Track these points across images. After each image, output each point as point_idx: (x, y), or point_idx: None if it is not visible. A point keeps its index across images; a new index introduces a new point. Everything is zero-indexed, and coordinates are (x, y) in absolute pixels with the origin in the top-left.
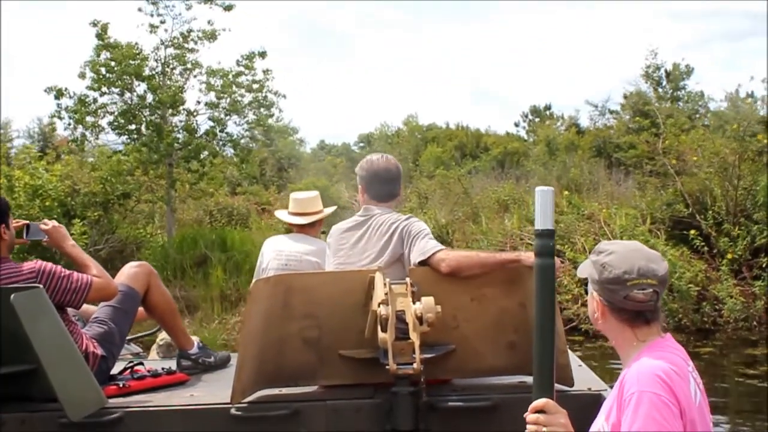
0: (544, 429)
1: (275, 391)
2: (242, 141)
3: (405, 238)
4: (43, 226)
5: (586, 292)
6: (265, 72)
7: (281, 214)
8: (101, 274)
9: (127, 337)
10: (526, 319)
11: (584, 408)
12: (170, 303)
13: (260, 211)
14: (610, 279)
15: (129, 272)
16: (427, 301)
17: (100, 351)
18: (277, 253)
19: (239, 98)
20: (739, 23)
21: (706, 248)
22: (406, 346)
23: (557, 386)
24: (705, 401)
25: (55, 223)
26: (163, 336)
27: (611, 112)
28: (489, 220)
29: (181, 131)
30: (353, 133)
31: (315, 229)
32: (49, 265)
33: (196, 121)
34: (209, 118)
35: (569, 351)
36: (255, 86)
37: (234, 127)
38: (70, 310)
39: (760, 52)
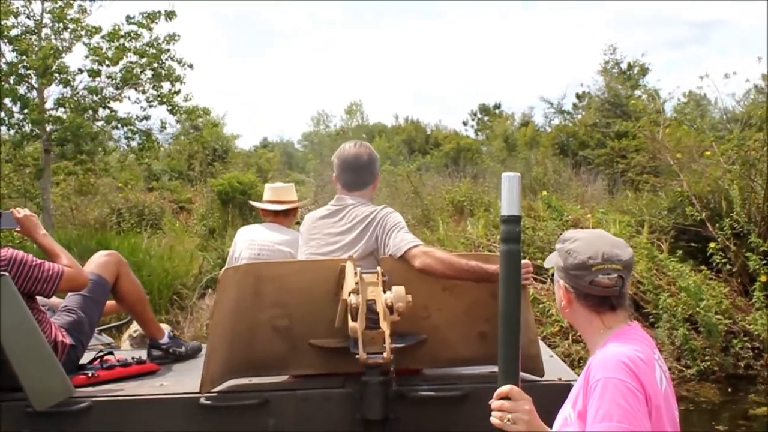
0: (509, 415)
1: (245, 380)
2: (140, 122)
3: (380, 235)
4: (16, 214)
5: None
6: (171, 36)
7: (257, 204)
8: (72, 264)
9: (99, 328)
10: (497, 309)
11: (554, 398)
12: (140, 292)
13: (177, 210)
14: (575, 265)
15: (98, 261)
16: (398, 290)
17: (68, 340)
18: (249, 243)
19: (132, 66)
20: (682, 31)
21: (727, 266)
22: (376, 336)
23: (528, 376)
24: (671, 388)
25: (27, 211)
26: (136, 327)
27: (562, 112)
28: (445, 225)
29: (63, 108)
30: (298, 132)
31: (289, 219)
32: (21, 253)
33: (80, 94)
34: (90, 91)
35: (540, 341)
36: (151, 51)
37: (130, 106)
38: (39, 299)
39: (701, 60)
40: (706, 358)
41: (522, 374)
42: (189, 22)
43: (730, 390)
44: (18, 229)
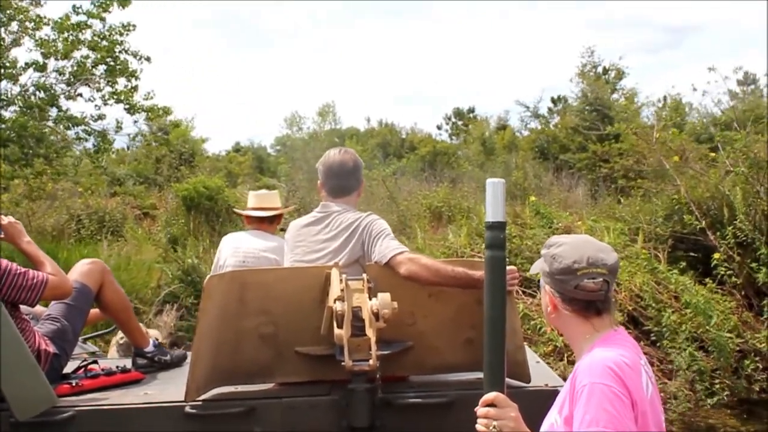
0: (495, 422)
1: (230, 388)
2: (95, 122)
3: (365, 241)
4: (2, 221)
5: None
6: (125, 27)
7: (241, 211)
8: (57, 272)
9: (84, 336)
10: (483, 316)
11: (541, 404)
12: (124, 301)
13: (141, 216)
14: (561, 269)
15: (82, 269)
16: (384, 297)
17: (52, 348)
18: (234, 250)
19: (83, 60)
20: (657, 36)
21: (734, 278)
22: (362, 343)
23: (515, 382)
24: (657, 394)
25: (11, 218)
26: (122, 335)
27: (538, 116)
28: (423, 232)
29: (12, 106)
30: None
31: (273, 226)
32: (4, 261)
33: (29, 91)
34: (38, 87)
35: (526, 347)
36: (103, 43)
37: (84, 104)
38: (23, 307)
39: (676, 64)
40: (716, 381)
41: (508, 380)
42: (162, 23)
43: (746, 416)
44: (1, 236)
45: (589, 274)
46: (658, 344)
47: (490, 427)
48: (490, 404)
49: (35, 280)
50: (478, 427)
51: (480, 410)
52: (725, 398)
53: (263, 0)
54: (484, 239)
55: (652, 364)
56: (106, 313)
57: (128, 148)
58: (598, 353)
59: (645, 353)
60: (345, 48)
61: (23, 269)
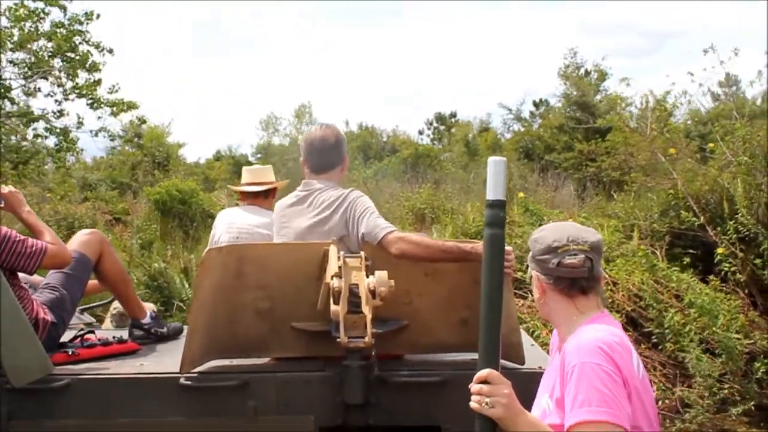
0: (488, 399)
1: (225, 361)
2: (57, 119)
3: (349, 219)
4: (1, 191)
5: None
6: (87, 15)
7: (235, 187)
8: (56, 241)
9: (81, 307)
10: (479, 296)
11: (534, 385)
12: (122, 271)
13: (112, 222)
14: (542, 249)
15: (81, 239)
16: (381, 275)
17: (50, 317)
18: (228, 226)
19: (40, 51)
20: (637, 41)
21: (737, 275)
22: (358, 320)
23: (509, 364)
24: (646, 376)
25: (11, 188)
26: (116, 304)
27: (521, 119)
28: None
29: None
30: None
31: (268, 200)
32: (4, 228)
33: None
34: None
35: (521, 330)
36: (61, 32)
37: (44, 101)
38: (21, 276)
39: (656, 70)
40: (725, 386)
41: (502, 362)
42: (149, 23)
43: (762, 424)
44: (2, 205)
45: (569, 251)
46: (660, 347)
47: (483, 404)
48: (484, 381)
49: (34, 248)
50: (471, 404)
51: (473, 387)
52: (752, 408)
53: (254, 0)
54: (484, 217)
55: (654, 369)
56: (104, 284)
57: (107, 156)
58: (585, 333)
59: (646, 357)
60: (323, 51)
61: (22, 237)
